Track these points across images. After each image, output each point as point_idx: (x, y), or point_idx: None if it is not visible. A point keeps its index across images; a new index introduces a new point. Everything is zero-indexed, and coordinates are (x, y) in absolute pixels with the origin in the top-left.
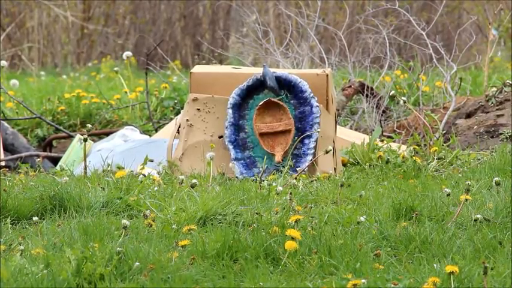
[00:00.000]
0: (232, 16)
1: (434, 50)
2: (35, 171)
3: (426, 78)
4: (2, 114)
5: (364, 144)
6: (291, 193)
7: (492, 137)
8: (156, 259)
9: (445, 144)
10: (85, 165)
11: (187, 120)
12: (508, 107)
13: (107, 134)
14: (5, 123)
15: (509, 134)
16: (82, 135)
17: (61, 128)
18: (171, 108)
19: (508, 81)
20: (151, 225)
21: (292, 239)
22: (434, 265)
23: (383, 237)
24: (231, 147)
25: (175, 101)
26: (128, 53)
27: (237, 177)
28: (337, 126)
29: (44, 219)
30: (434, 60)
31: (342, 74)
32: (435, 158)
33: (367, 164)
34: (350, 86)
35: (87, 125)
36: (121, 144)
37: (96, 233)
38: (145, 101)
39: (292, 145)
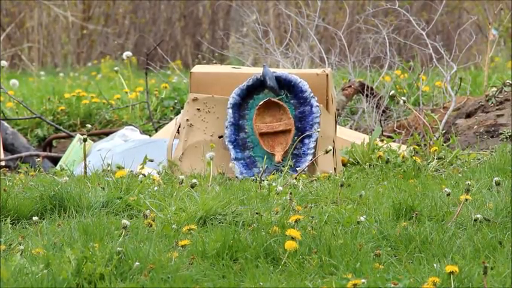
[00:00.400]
0: (232, 16)
1: (434, 50)
2: (35, 171)
3: (426, 78)
4: (2, 114)
5: (364, 144)
6: (291, 193)
7: (492, 136)
8: (156, 259)
9: (445, 144)
10: (85, 165)
11: (187, 120)
12: (508, 107)
13: (107, 134)
14: (5, 123)
15: (509, 134)
16: (82, 135)
17: (61, 128)
18: (171, 108)
19: (508, 81)
20: (151, 225)
21: (292, 238)
22: (434, 265)
23: (383, 237)
24: (231, 147)
25: (175, 101)
26: (127, 53)
27: (237, 177)
28: (337, 126)
29: (44, 219)
30: (434, 60)
31: (342, 74)
32: (435, 158)
33: (367, 164)
34: (350, 86)
35: (87, 125)
36: (121, 144)
37: (96, 233)
38: (146, 101)
39: (292, 145)
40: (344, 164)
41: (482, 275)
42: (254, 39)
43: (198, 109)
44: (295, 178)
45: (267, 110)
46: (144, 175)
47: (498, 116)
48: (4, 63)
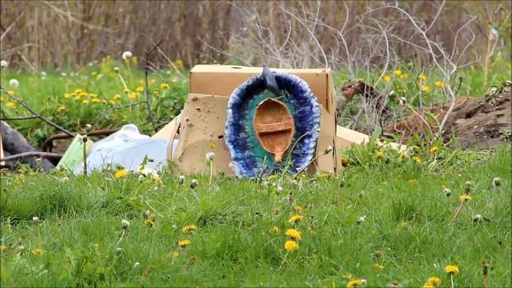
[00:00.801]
0: (232, 16)
1: (434, 49)
2: (34, 171)
3: (426, 78)
4: (2, 114)
5: (364, 144)
6: (290, 193)
7: (492, 136)
8: (156, 259)
9: (444, 144)
10: (85, 165)
11: (187, 120)
12: (508, 107)
13: (107, 134)
14: (5, 123)
15: (509, 134)
16: (82, 135)
17: (61, 128)
18: (171, 108)
19: (508, 81)
20: (151, 225)
21: (292, 238)
22: (434, 265)
23: (383, 237)
24: (231, 147)
25: (175, 101)
26: (127, 53)
27: (237, 177)
28: (337, 126)
29: (44, 219)
30: (434, 60)
31: (342, 74)
32: (435, 157)
33: (367, 164)
34: (350, 86)
35: (87, 124)
36: (121, 144)
37: (96, 233)
38: (145, 101)
39: (292, 145)
40: (344, 164)
41: (482, 275)
42: (254, 39)
43: (198, 109)
44: (295, 178)
45: (267, 110)
46: (144, 175)
47: (498, 116)
48: (4, 63)
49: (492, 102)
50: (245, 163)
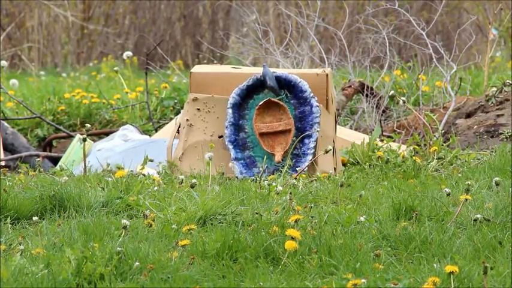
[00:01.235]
0: (232, 16)
1: (434, 50)
2: (34, 171)
3: (426, 78)
4: (2, 114)
5: (364, 144)
6: (290, 193)
7: (492, 137)
8: (156, 259)
9: (444, 144)
10: (85, 165)
11: (187, 120)
12: (508, 107)
13: (107, 134)
14: (5, 123)
15: (509, 134)
16: (82, 135)
17: (61, 128)
18: (171, 108)
19: (508, 81)
20: (151, 225)
21: (292, 238)
22: (434, 265)
23: (383, 237)
24: (231, 147)
25: (175, 101)
26: (128, 53)
27: (236, 177)
28: (337, 126)
29: (44, 219)
30: (434, 60)
31: (342, 74)
32: (435, 157)
33: (367, 163)
34: (350, 86)
35: (87, 124)
36: (121, 144)
37: (96, 233)
38: (145, 101)
39: (292, 145)
40: (344, 164)
41: (482, 275)
42: (254, 39)
43: (198, 109)
44: (295, 178)
45: (267, 110)
46: (144, 175)
47: (498, 116)
48: (4, 63)
49: (492, 102)
50: (245, 163)
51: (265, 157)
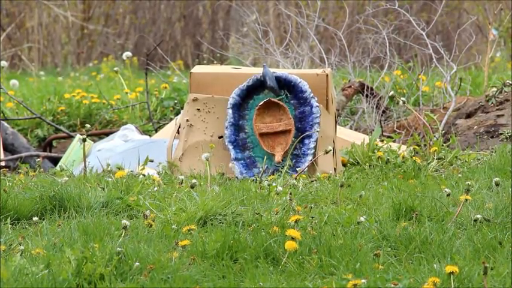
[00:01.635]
0: (232, 16)
1: (434, 50)
2: (34, 172)
3: (426, 78)
4: (2, 114)
5: (364, 144)
6: (290, 193)
7: (492, 137)
8: (156, 259)
9: (444, 145)
10: (85, 166)
11: (187, 120)
12: (508, 107)
13: (107, 134)
14: (5, 123)
15: (509, 134)
16: (82, 135)
17: (61, 128)
18: (171, 108)
19: (508, 81)
20: (151, 226)
21: (292, 239)
22: (434, 265)
23: (383, 237)
24: (231, 147)
25: (175, 101)
26: (128, 53)
27: (237, 177)
28: (337, 126)
29: (44, 219)
30: (434, 60)
31: (342, 74)
32: (435, 158)
33: (367, 164)
34: (350, 86)
35: (87, 125)
36: (121, 145)
37: (96, 233)
38: (146, 101)
39: (292, 145)
40: (344, 164)
41: (482, 275)
42: (254, 39)
43: (198, 109)
44: (295, 178)
45: (267, 110)
46: (144, 175)
47: (498, 116)
48: (4, 63)
49: (492, 103)
50: (245, 163)
51: (265, 157)
